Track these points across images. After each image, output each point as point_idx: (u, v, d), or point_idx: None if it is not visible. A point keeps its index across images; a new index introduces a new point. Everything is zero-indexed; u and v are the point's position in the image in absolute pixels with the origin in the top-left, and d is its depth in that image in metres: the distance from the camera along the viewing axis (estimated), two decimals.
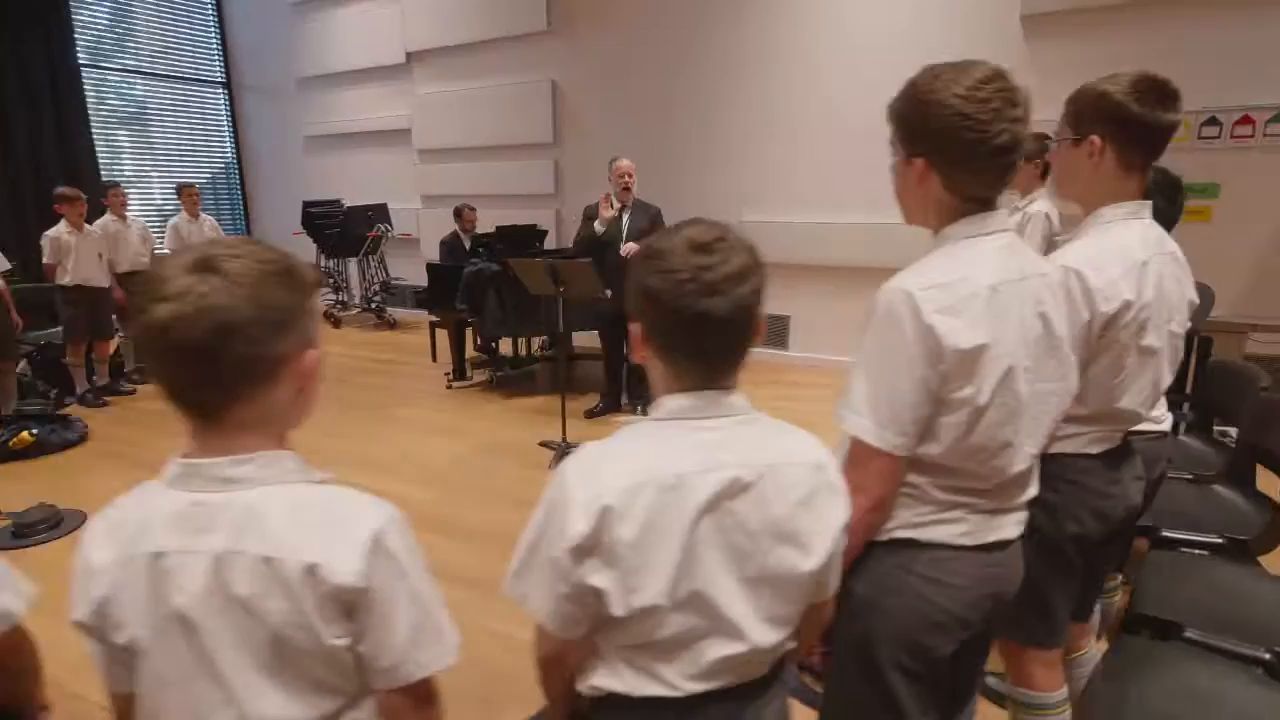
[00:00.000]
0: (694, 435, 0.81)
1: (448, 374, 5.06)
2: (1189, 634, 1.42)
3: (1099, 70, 3.90)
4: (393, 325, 7.26)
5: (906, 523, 1.02)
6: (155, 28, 8.06)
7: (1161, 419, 1.62)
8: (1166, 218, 1.58)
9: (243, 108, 8.69)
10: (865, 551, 1.03)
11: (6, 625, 0.92)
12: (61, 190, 4.43)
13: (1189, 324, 1.34)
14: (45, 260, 4.35)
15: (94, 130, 7.34)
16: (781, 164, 5.41)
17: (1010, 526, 1.07)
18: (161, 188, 8.24)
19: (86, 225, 4.52)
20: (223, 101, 8.65)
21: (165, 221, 5.93)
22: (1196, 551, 1.93)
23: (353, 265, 7.62)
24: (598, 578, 0.77)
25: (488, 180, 6.80)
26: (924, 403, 0.95)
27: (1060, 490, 1.28)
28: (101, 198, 4.90)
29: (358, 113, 7.64)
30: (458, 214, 5.98)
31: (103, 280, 4.57)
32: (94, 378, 4.76)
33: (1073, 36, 4.35)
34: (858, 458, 0.98)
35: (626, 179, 4.00)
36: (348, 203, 7.47)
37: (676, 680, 0.82)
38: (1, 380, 4.01)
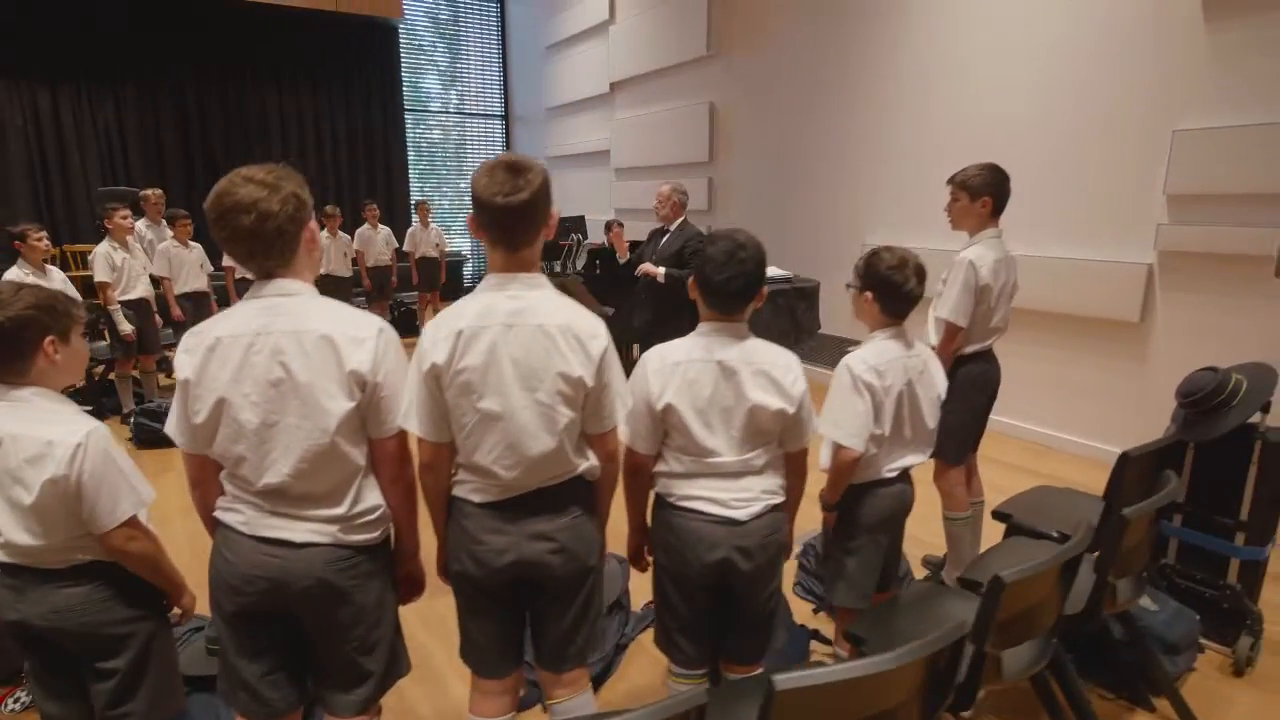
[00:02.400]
0: None
1: None
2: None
3: None
4: None
5: (218, 507, 1.36)
6: (464, 73, 10.45)
7: (731, 502, 1.50)
8: (722, 291, 1.46)
9: (514, 135, 10.70)
10: None
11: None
12: (326, 209, 6.37)
13: (566, 389, 1.32)
14: None
15: (410, 158, 9.92)
16: (912, 186, 4.89)
17: (298, 532, 1.29)
18: (443, 205, 10.69)
19: (341, 233, 6.39)
20: (500, 131, 10.77)
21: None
22: None
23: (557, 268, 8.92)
24: None
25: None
26: (184, 416, 1.29)
27: (453, 530, 1.42)
28: (361, 210, 6.81)
29: (578, 136, 8.88)
30: (607, 228, 6.71)
31: (345, 272, 6.41)
32: None
33: (1262, 15, 3.19)
34: None
35: (657, 203, 4.21)
36: (563, 214, 8.78)
37: None
38: None
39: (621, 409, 1.43)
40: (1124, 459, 2.08)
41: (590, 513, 1.46)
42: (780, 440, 1.56)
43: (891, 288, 1.71)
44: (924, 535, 2.89)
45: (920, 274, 1.73)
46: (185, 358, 1.27)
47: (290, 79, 8.76)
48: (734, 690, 1.49)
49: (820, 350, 5.55)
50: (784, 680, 1.10)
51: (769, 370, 1.49)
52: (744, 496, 1.51)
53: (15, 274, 3.82)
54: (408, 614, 1.53)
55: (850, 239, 5.37)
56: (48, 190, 7.72)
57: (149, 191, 5.71)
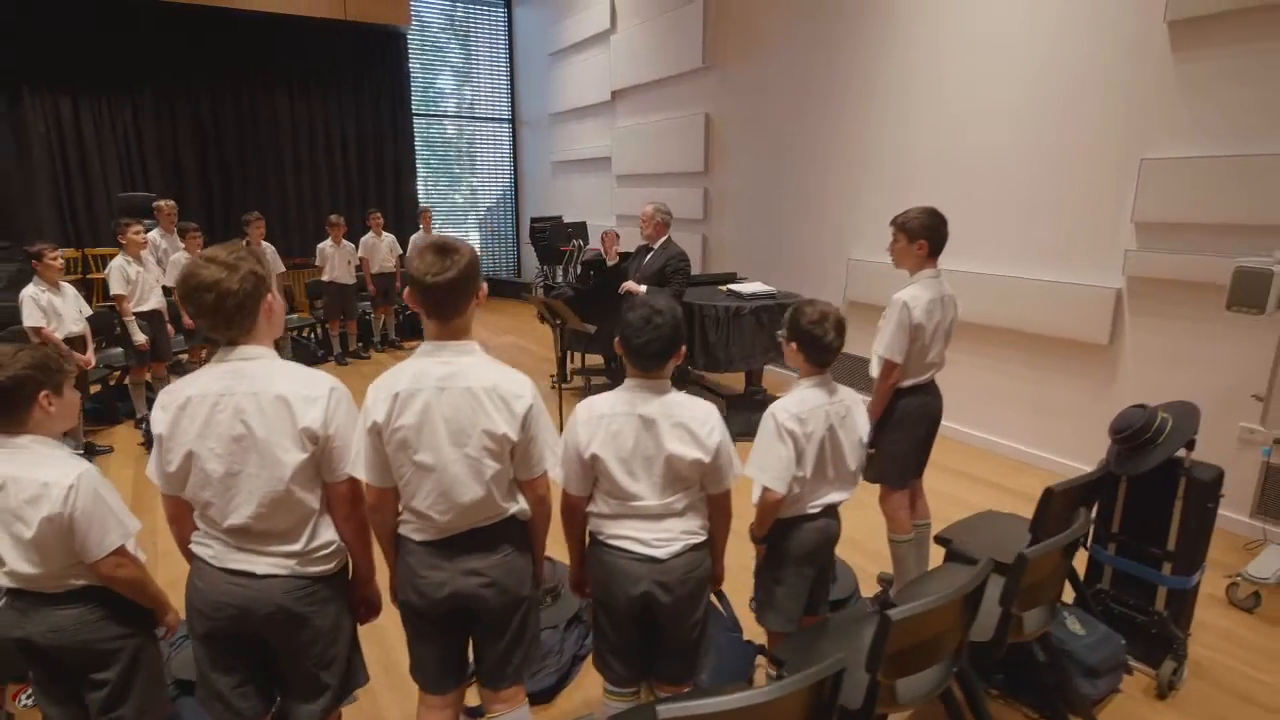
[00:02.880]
0: None
1: (552, 375, 6.00)
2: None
3: (1256, 84, 3.48)
4: None
5: (193, 541, 1.53)
6: (472, 77, 10.61)
7: (653, 541, 1.66)
8: (642, 352, 1.61)
9: (521, 139, 10.86)
10: None
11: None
12: (330, 218, 6.58)
13: (491, 444, 1.49)
14: (316, 263, 6.54)
15: (418, 162, 10.12)
16: (893, 204, 4.92)
17: (260, 565, 1.47)
18: (452, 209, 10.89)
19: (345, 241, 6.61)
20: (508, 135, 10.93)
21: (451, 232, 8.04)
22: None
23: (560, 272, 9.08)
24: None
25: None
26: (160, 465, 1.47)
27: (399, 564, 1.59)
28: (365, 217, 7.02)
29: (581, 142, 9.02)
30: (603, 238, 6.86)
31: (349, 279, 6.63)
32: (346, 345, 6.92)
33: (1229, 47, 3.25)
34: None
35: (642, 223, 4.36)
36: (567, 219, 8.93)
37: None
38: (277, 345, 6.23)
39: (550, 457, 1.59)
40: (1048, 493, 2.21)
41: (522, 549, 1.62)
42: (702, 484, 1.71)
43: (812, 340, 1.85)
44: (886, 551, 3.03)
45: (839, 327, 1.86)
46: (160, 414, 1.45)
47: (301, 86, 8.98)
48: (624, 718, 1.65)
49: None
50: (667, 710, 1.25)
51: (687, 423, 1.64)
52: (664, 537, 1.66)
53: (31, 290, 4.04)
54: (388, 627, 1.69)
55: (836, 253, 5.48)
56: (70, 195, 8.01)
57: (162, 203, 5.95)
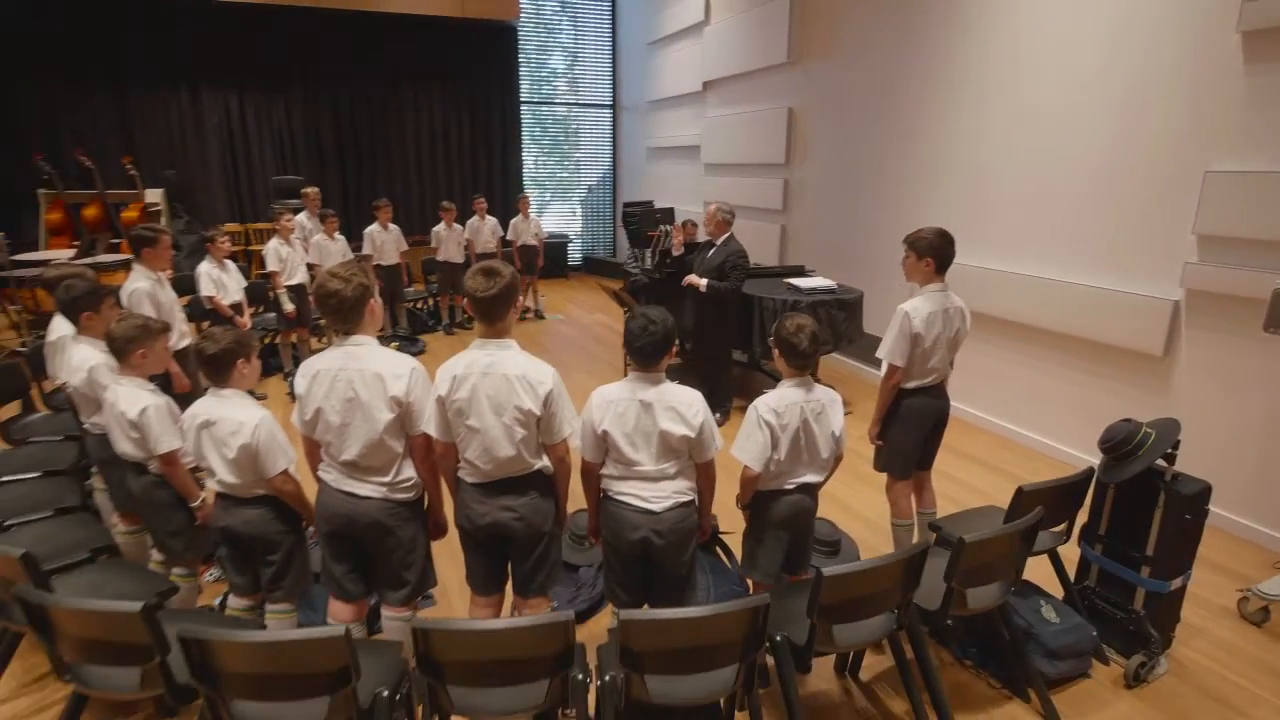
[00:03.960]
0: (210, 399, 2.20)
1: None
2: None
3: None
4: None
5: (320, 468, 2.17)
6: (577, 65, 11.19)
7: (650, 498, 2.13)
8: (641, 353, 2.06)
9: (621, 124, 11.34)
10: None
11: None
12: (443, 204, 7.41)
13: (520, 416, 1.99)
14: (431, 245, 7.41)
15: (528, 139, 10.85)
16: (963, 204, 5.04)
17: (363, 489, 2.07)
18: (558, 186, 11.57)
19: (456, 224, 7.42)
20: (609, 120, 11.44)
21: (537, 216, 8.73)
22: None
23: (648, 256, 9.54)
24: None
25: (740, 194, 7.76)
26: (300, 415, 2.10)
27: (457, 498, 2.15)
28: (472, 202, 7.82)
29: (674, 129, 9.38)
30: (681, 226, 7.24)
31: (459, 258, 7.45)
32: (454, 317, 7.80)
33: None
34: None
35: (705, 220, 4.73)
36: (658, 204, 9.36)
37: None
38: (396, 314, 7.15)
39: (567, 428, 2.10)
40: (1019, 493, 2.46)
41: (545, 495, 2.14)
42: (690, 455, 2.15)
43: (790, 347, 2.24)
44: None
45: (813, 338, 2.23)
46: (300, 380, 2.08)
47: (423, 80, 9.92)
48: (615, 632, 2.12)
49: (868, 350, 5.84)
50: (627, 614, 1.74)
51: (676, 406, 2.09)
52: (659, 494, 2.13)
53: (205, 267, 5.07)
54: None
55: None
56: (236, 177, 9.39)
57: (309, 189, 6.98)
